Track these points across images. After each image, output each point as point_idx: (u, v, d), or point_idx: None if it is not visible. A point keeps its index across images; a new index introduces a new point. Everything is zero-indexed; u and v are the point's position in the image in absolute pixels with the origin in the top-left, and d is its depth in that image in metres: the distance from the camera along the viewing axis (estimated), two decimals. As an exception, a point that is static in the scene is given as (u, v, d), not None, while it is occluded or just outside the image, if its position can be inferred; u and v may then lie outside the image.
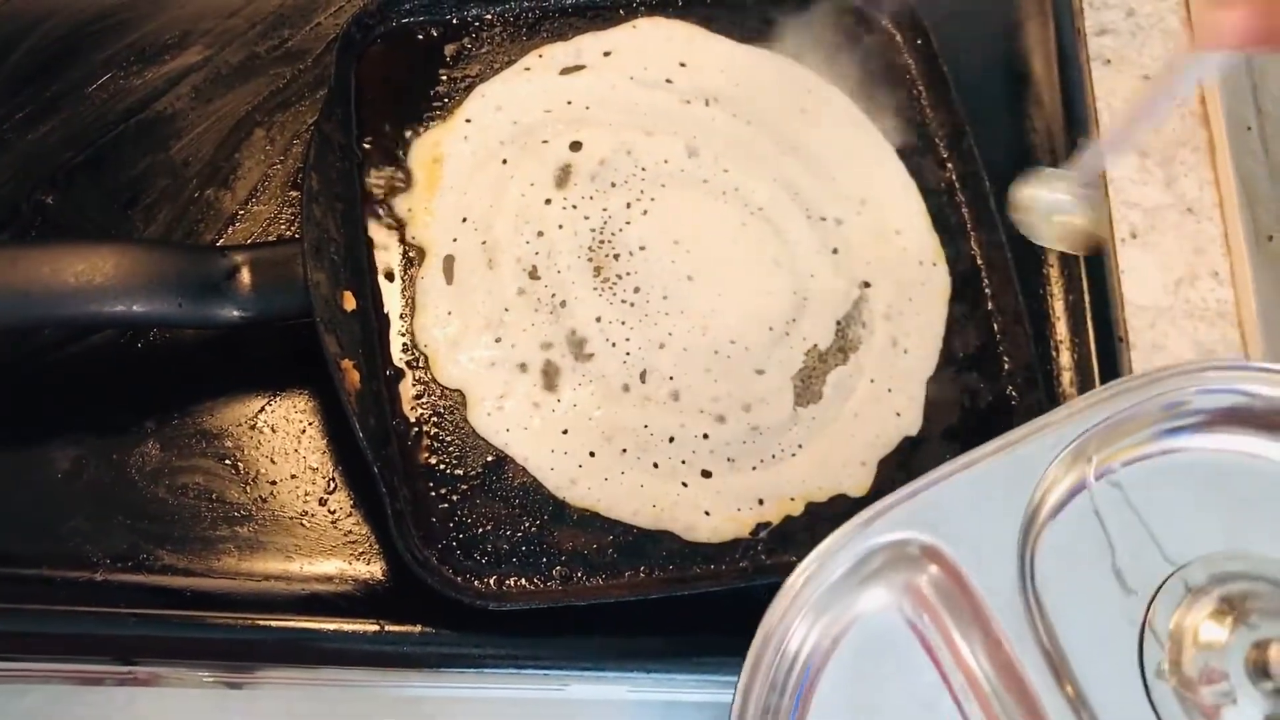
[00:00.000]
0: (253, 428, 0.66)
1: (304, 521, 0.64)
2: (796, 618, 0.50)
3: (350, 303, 0.65)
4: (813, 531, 0.66)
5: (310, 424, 0.66)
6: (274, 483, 0.64)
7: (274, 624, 0.61)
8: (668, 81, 0.76)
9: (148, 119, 0.73)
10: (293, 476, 0.65)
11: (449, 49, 0.75)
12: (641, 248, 0.70)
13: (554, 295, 0.69)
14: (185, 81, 0.74)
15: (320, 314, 0.61)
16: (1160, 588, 0.49)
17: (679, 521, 0.65)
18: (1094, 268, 0.75)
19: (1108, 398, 0.52)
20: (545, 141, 0.72)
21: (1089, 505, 0.51)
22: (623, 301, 0.69)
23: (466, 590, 0.61)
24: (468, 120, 0.73)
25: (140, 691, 0.87)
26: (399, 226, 0.69)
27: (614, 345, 0.68)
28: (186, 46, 0.75)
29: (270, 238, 0.70)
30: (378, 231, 0.69)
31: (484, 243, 0.69)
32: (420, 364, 0.66)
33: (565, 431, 0.66)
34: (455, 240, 0.69)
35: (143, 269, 0.60)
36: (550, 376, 0.67)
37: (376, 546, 0.63)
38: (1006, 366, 0.71)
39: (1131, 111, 0.55)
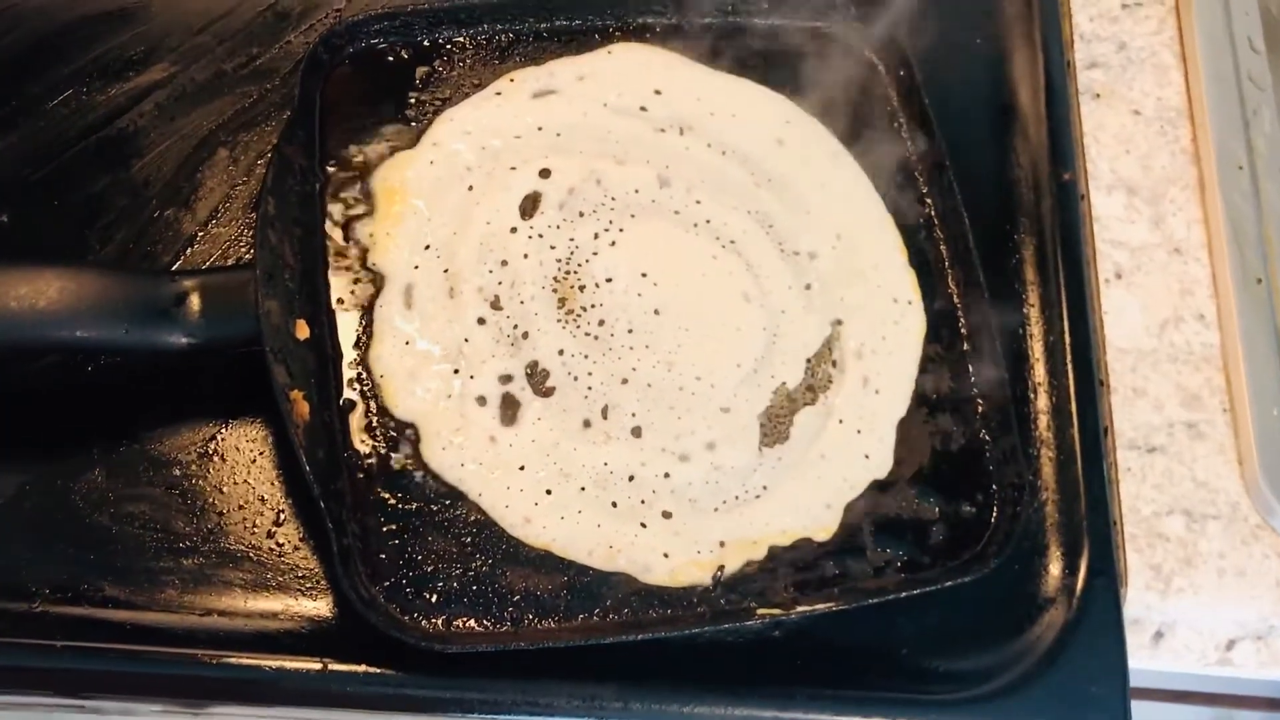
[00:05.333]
0: (202, 456, 0.64)
1: (250, 555, 0.62)
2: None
3: (303, 331, 0.63)
4: (774, 576, 0.64)
5: (261, 454, 0.64)
6: (221, 514, 0.63)
7: (215, 660, 0.60)
8: (642, 109, 0.74)
9: (109, 136, 0.71)
10: (240, 507, 0.63)
11: (419, 71, 0.74)
12: (608, 279, 0.69)
13: (516, 326, 0.67)
14: (149, 99, 0.73)
15: (270, 343, 0.60)
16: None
17: (636, 563, 0.63)
18: (1075, 308, 0.73)
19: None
20: (513, 168, 0.71)
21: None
22: (587, 334, 0.67)
23: (413, 631, 0.60)
24: (435, 145, 0.71)
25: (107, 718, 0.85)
26: (359, 252, 0.68)
27: (576, 379, 0.66)
28: (152, 63, 0.74)
29: (230, 261, 0.69)
30: (337, 258, 0.68)
31: (446, 271, 0.68)
32: (374, 395, 0.65)
33: (522, 468, 0.64)
34: (416, 268, 0.68)
35: (88, 293, 0.59)
36: (509, 410, 0.65)
37: (323, 582, 0.62)
38: (981, 409, 0.69)
39: None
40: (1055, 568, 0.67)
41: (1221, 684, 0.92)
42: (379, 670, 0.60)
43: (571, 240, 0.69)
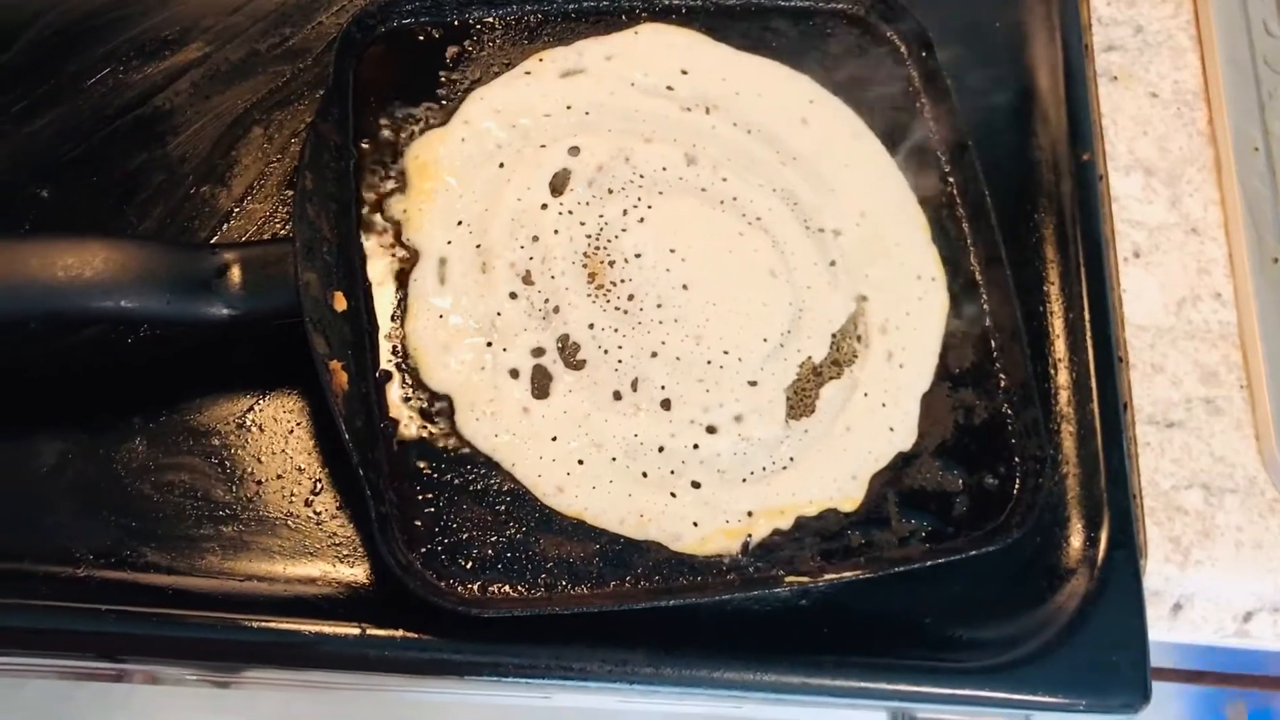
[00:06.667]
0: (240, 426, 0.65)
1: (289, 522, 0.63)
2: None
3: (341, 303, 0.64)
4: (801, 545, 0.65)
5: (299, 424, 0.65)
6: (260, 482, 0.64)
7: (255, 624, 0.61)
8: (668, 88, 0.75)
9: (145, 114, 0.72)
10: (279, 476, 0.64)
11: (449, 51, 0.75)
12: (637, 255, 0.70)
13: (547, 301, 0.68)
14: (184, 77, 0.74)
15: (310, 314, 0.61)
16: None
17: (666, 532, 0.64)
18: (1094, 286, 0.74)
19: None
20: (543, 146, 0.72)
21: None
22: (616, 309, 0.68)
23: (449, 596, 0.61)
24: (466, 123, 0.72)
25: (137, 687, 0.87)
26: (393, 228, 0.69)
27: (606, 352, 0.67)
28: (187, 42, 0.75)
29: (265, 236, 0.70)
30: (372, 233, 0.69)
31: (478, 246, 0.69)
32: (410, 366, 0.66)
33: (554, 438, 0.65)
34: (449, 243, 0.69)
35: (132, 264, 0.60)
36: (541, 382, 0.66)
37: (361, 549, 0.63)
38: (1003, 383, 0.70)
39: None
40: (1076, 539, 0.68)
41: (1235, 662, 0.93)
42: (416, 635, 0.61)
43: (601, 217, 0.70)
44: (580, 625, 0.62)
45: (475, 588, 0.62)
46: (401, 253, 0.68)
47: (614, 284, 0.69)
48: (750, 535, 0.65)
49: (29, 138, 0.71)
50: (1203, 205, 0.80)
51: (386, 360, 0.66)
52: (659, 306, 0.69)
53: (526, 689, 0.64)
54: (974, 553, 0.65)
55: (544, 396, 0.66)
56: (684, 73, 0.76)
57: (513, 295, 0.68)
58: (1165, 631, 0.71)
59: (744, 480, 0.66)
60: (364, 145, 0.71)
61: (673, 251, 0.70)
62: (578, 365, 0.67)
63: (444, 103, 0.73)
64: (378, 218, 0.69)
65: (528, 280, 0.69)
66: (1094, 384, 0.71)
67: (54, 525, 0.62)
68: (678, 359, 0.68)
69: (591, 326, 0.68)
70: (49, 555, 0.61)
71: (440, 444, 0.64)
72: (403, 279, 0.68)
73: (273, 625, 0.61)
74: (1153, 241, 0.78)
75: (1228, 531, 0.71)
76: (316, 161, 0.66)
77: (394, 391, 0.65)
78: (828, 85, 0.77)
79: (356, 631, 0.61)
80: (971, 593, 0.66)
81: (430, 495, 0.63)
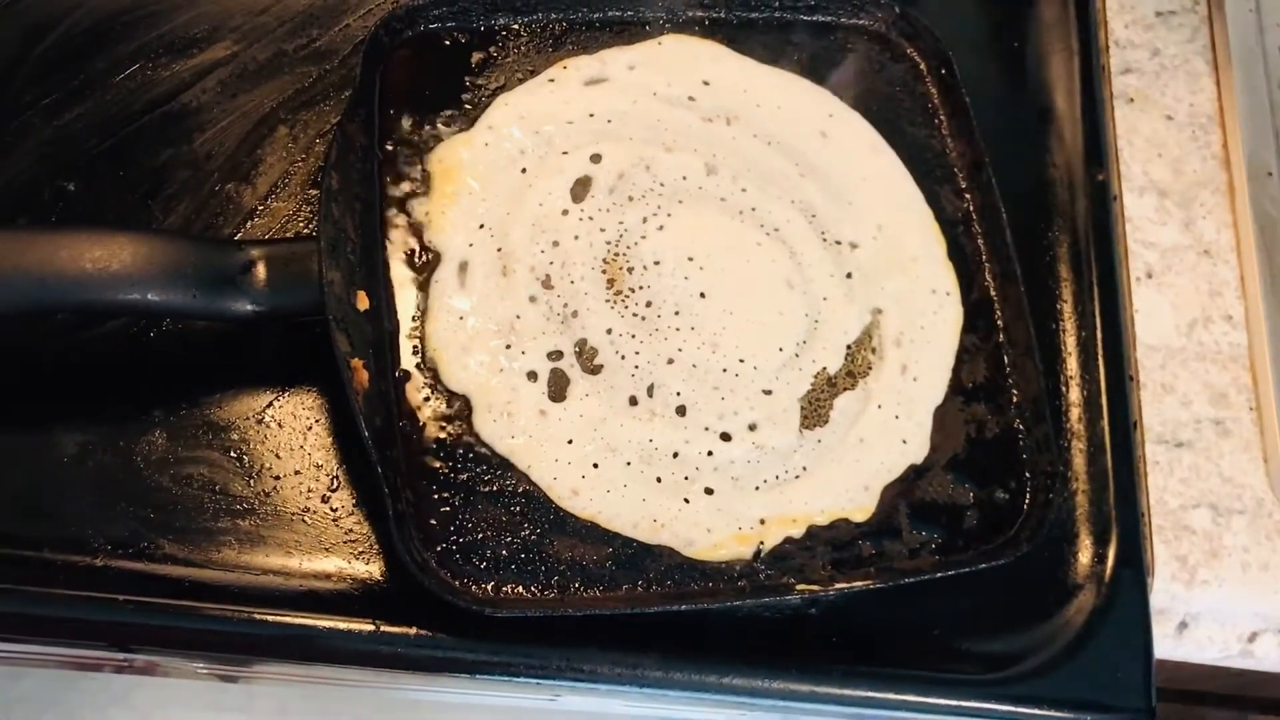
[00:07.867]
0: (259, 422, 0.66)
1: (305, 518, 0.64)
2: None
3: (363, 302, 0.65)
4: (812, 554, 0.66)
5: (317, 421, 0.66)
6: (278, 478, 0.65)
7: (270, 618, 0.61)
8: (690, 99, 0.76)
9: (172, 111, 0.73)
10: (296, 472, 0.65)
11: (475, 57, 0.75)
12: (656, 262, 0.70)
13: (566, 305, 0.69)
14: (212, 76, 0.74)
15: (333, 312, 0.62)
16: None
17: (679, 537, 0.65)
18: (1107, 305, 0.75)
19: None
20: (565, 153, 0.73)
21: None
22: (634, 315, 0.69)
23: (463, 595, 0.61)
24: (489, 128, 0.73)
25: (136, 681, 0.87)
26: (416, 230, 0.70)
27: (623, 358, 0.68)
28: (215, 41, 0.75)
29: (288, 234, 0.71)
30: (395, 234, 0.69)
31: (499, 250, 0.70)
32: (429, 367, 0.66)
33: (570, 441, 0.66)
34: (471, 246, 0.69)
35: (159, 258, 0.61)
36: (558, 386, 0.67)
37: (376, 546, 0.63)
38: (1015, 399, 0.71)
39: None
40: (1085, 556, 0.69)
41: (1238, 684, 0.93)
42: (429, 633, 0.61)
43: (621, 224, 0.71)
44: (592, 628, 0.62)
45: (489, 587, 0.62)
46: (423, 254, 0.69)
47: (632, 290, 0.70)
48: (762, 543, 0.65)
49: (57, 131, 0.71)
50: (1215, 228, 0.80)
51: (407, 360, 0.66)
52: (676, 314, 0.69)
53: (536, 689, 0.64)
54: (983, 566, 0.65)
55: (561, 400, 0.67)
56: (706, 84, 0.76)
57: (532, 299, 0.69)
58: (1170, 649, 0.72)
59: (757, 488, 0.66)
60: (389, 147, 0.71)
61: (691, 260, 0.71)
62: (595, 370, 0.68)
63: (468, 108, 0.74)
64: (401, 219, 0.70)
65: (547, 284, 0.69)
66: (1105, 402, 0.72)
67: (73, 515, 0.63)
68: (694, 366, 0.68)
69: (609, 332, 0.68)
70: (67, 544, 0.62)
71: (457, 444, 0.65)
72: (424, 280, 0.68)
73: (287, 619, 0.61)
74: (1165, 263, 0.79)
75: (1234, 552, 0.71)
76: (342, 162, 0.66)
77: (413, 391, 0.66)
78: (847, 99, 0.78)
79: (370, 628, 0.61)
80: (980, 605, 0.66)
81: (446, 494, 0.64)
